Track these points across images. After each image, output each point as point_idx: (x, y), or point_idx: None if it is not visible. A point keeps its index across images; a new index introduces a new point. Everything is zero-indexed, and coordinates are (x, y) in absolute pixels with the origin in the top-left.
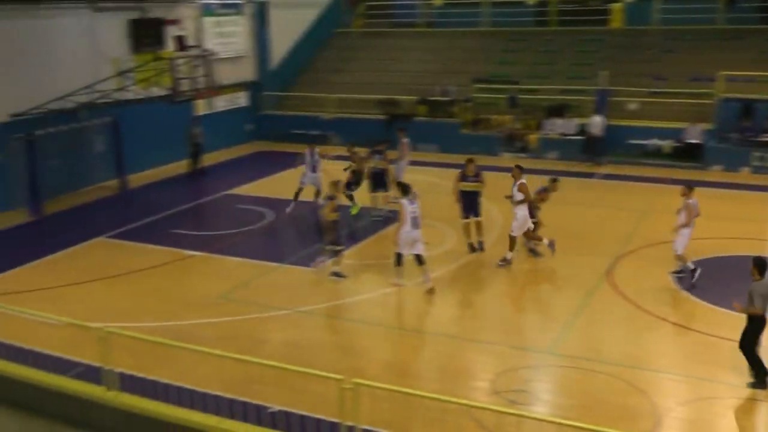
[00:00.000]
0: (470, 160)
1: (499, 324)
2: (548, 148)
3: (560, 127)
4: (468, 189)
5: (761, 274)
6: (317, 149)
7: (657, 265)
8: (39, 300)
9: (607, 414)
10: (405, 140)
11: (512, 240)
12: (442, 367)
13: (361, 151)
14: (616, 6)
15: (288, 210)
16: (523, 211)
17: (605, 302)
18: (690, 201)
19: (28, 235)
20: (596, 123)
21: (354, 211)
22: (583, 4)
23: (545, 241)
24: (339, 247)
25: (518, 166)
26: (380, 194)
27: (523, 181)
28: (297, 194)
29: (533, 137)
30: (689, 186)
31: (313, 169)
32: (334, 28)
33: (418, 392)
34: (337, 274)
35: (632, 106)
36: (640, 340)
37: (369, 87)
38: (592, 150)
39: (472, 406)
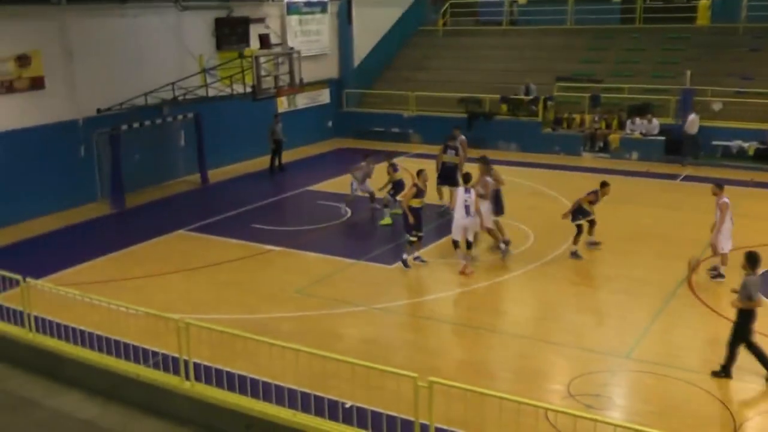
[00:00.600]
0: (455, 128)
1: (576, 326)
2: (630, 148)
3: (643, 126)
4: (449, 162)
5: (753, 268)
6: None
7: (737, 270)
8: (119, 290)
9: (683, 422)
10: (462, 137)
11: (491, 231)
12: (517, 367)
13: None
14: (703, 3)
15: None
16: (485, 206)
17: (684, 307)
18: (723, 200)
19: (110, 226)
20: (692, 121)
21: (384, 222)
22: (669, 1)
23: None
24: (417, 235)
25: (484, 159)
26: (446, 189)
27: (488, 178)
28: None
29: (615, 137)
30: (719, 185)
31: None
32: (418, 26)
33: (493, 392)
34: (404, 263)
35: (716, 107)
36: (719, 347)
37: (451, 85)
38: (688, 149)
39: (548, 409)
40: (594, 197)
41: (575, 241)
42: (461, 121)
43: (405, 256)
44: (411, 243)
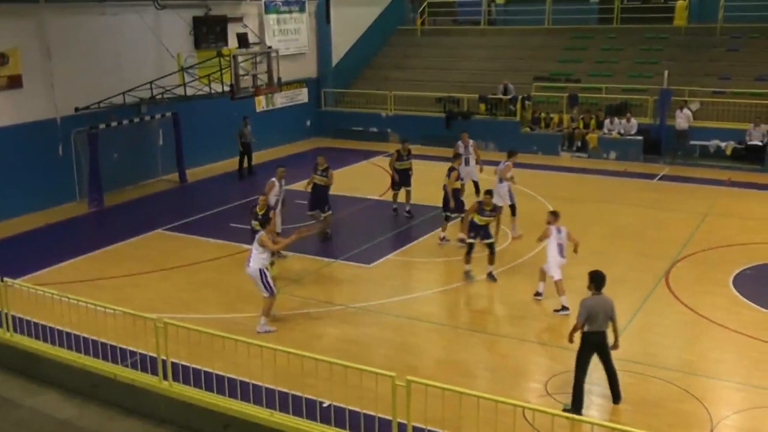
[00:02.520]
0: (404, 140)
1: (554, 325)
2: (608, 148)
3: (621, 126)
4: (403, 167)
5: (597, 288)
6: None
7: (716, 269)
8: (98, 289)
9: (660, 420)
10: (471, 141)
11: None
12: (495, 366)
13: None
14: (680, 3)
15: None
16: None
17: (662, 306)
18: (550, 228)
19: (88, 226)
20: (685, 116)
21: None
22: (646, 1)
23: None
24: (455, 215)
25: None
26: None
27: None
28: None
29: (593, 137)
30: (554, 213)
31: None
32: (396, 25)
33: (470, 391)
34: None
35: (694, 106)
36: (696, 345)
37: (429, 84)
38: (677, 145)
39: (526, 408)
40: (478, 206)
41: (467, 260)
42: (439, 121)
43: (443, 233)
44: (448, 219)
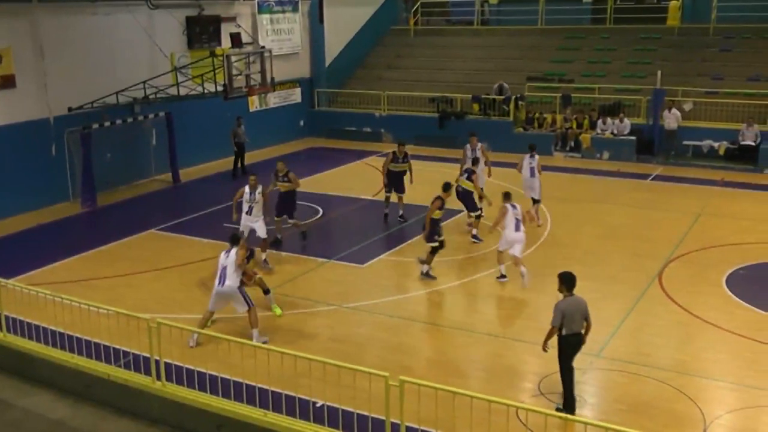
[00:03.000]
0: (401, 143)
1: (547, 325)
2: (601, 148)
3: (614, 126)
4: (397, 169)
5: (569, 290)
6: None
7: (709, 269)
8: (91, 289)
9: (654, 420)
10: (480, 144)
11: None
12: (488, 366)
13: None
14: (673, 3)
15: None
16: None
17: (655, 306)
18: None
19: (81, 226)
20: (674, 116)
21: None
22: (639, 1)
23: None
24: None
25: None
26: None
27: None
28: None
29: (586, 137)
30: (507, 194)
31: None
32: (390, 25)
33: (464, 391)
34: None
35: (687, 106)
36: (690, 345)
37: (423, 85)
38: (666, 145)
39: (519, 408)
40: (440, 203)
41: (429, 260)
42: (433, 121)
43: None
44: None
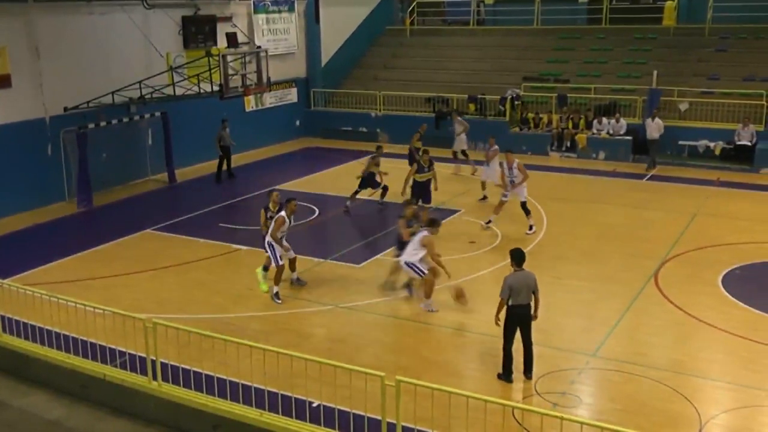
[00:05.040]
0: (425, 151)
1: (543, 324)
2: (597, 148)
3: (610, 126)
4: (423, 179)
5: (518, 264)
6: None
7: (705, 269)
8: (87, 289)
9: (650, 419)
10: (495, 147)
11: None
12: (484, 366)
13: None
14: (669, 4)
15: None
16: None
17: (651, 306)
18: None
19: (77, 225)
20: (656, 125)
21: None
22: (635, 1)
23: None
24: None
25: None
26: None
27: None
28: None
29: (582, 137)
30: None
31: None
32: (386, 25)
33: (460, 391)
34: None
35: (683, 107)
36: (686, 345)
37: (419, 84)
38: (652, 153)
39: (515, 408)
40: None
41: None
42: (429, 121)
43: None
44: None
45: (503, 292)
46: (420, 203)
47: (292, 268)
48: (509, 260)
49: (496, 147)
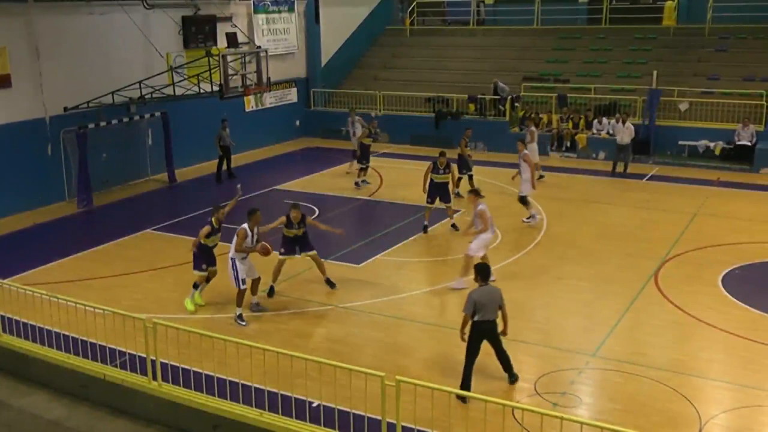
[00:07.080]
0: (442, 154)
1: (543, 324)
2: (597, 148)
3: (610, 126)
4: (439, 180)
5: (483, 279)
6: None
7: (705, 269)
8: (87, 289)
9: (650, 419)
10: (526, 151)
11: None
12: (484, 366)
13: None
14: (669, 4)
15: None
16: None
17: (651, 306)
18: (480, 207)
19: (77, 225)
20: (627, 130)
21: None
22: (635, 2)
23: None
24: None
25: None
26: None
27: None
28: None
29: (582, 137)
30: (477, 193)
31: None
32: (386, 25)
33: (460, 391)
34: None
35: (683, 106)
36: (686, 345)
37: (419, 85)
38: (621, 158)
39: (515, 407)
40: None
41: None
42: (429, 121)
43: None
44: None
45: (467, 308)
46: (439, 200)
47: (254, 291)
48: (474, 275)
49: (527, 151)
